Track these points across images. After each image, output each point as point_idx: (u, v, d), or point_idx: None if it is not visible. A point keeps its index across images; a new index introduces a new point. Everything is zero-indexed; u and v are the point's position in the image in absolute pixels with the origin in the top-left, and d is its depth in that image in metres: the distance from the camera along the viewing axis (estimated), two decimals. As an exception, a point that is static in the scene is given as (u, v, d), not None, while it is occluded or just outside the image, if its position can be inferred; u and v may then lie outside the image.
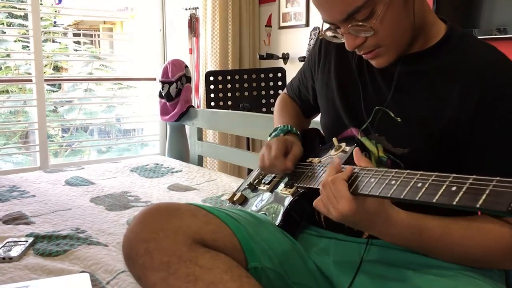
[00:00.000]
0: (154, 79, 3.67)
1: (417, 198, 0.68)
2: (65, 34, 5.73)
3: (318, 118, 1.24)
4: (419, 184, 0.69)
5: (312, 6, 3.04)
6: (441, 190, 0.65)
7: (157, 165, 2.33)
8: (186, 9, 3.56)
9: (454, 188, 0.64)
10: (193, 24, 3.54)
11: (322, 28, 0.97)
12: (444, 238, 0.83)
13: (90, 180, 2.09)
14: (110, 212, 1.66)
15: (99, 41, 5.89)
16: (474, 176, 0.63)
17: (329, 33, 0.96)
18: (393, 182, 0.74)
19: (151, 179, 2.13)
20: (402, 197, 0.71)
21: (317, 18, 3.10)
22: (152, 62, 3.72)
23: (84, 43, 5.92)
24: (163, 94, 2.42)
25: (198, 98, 3.48)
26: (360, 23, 0.86)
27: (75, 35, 6.00)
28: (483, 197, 0.59)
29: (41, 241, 1.36)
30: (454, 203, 0.62)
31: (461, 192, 0.62)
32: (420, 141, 0.91)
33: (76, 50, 5.71)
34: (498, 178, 0.60)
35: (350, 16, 0.85)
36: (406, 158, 0.92)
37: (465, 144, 0.87)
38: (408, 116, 0.92)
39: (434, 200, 0.66)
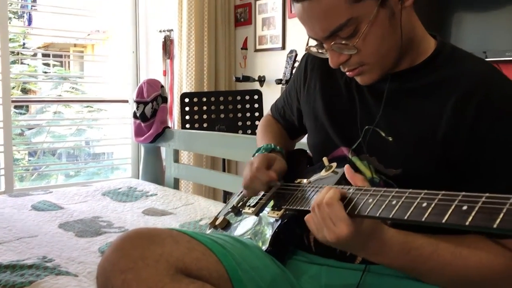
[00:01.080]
0: (127, 101, 3.60)
1: (423, 219, 0.63)
2: (34, 55, 5.59)
3: (304, 140, 1.20)
4: (424, 204, 0.65)
5: (289, 29, 3.08)
6: (450, 210, 0.61)
7: (131, 188, 2.23)
8: (160, 31, 3.54)
9: (465, 208, 0.59)
10: (167, 46, 3.53)
11: (308, 43, 0.94)
12: (435, 256, 0.78)
13: (59, 205, 1.98)
14: (80, 238, 1.56)
15: (69, 62, 5.76)
16: (487, 194, 0.59)
17: (314, 49, 0.93)
18: (394, 202, 0.69)
19: (124, 203, 2.04)
20: (406, 218, 0.66)
21: (293, 41, 3.11)
22: (124, 84, 3.65)
23: (54, 65, 5.79)
24: (138, 115, 2.34)
25: (172, 120, 3.43)
26: (343, 42, 0.83)
27: (44, 55, 5.86)
28: (501, 216, 0.55)
29: (4, 271, 1.26)
30: (467, 223, 0.58)
31: (474, 212, 0.58)
32: (413, 161, 0.87)
33: (46, 72, 5.57)
34: (516, 195, 0.56)
35: (333, 33, 0.83)
36: (399, 179, 0.88)
37: (462, 162, 0.83)
38: (400, 135, 0.89)
39: (443, 221, 0.61)
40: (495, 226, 0.55)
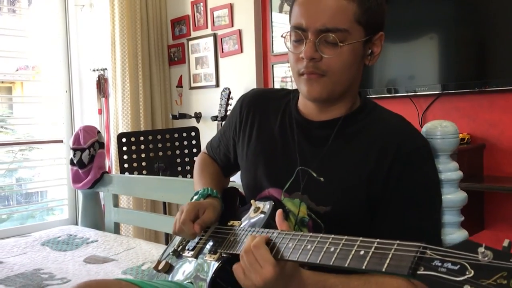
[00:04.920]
0: (61, 141, 3.55)
1: (331, 263, 0.75)
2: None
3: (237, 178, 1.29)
4: (332, 249, 0.76)
5: (221, 67, 3.21)
6: (351, 255, 0.73)
7: (70, 236, 2.21)
8: (93, 70, 3.54)
9: (362, 252, 0.72)
10: (101, 85, 3.53)
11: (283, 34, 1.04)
12: None
13: (-3, 259, 1.94)
14: (23, 294, 1.56)
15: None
16: (378, 240, 0.72)
17: (288, 42, 1.02)
18: (308, 246, 0.80)
19: (65, 253, 2.02)
20: (318, 262, 0.77)
21: (226, 79, 3.25)
22: (58, 124, 3.59)
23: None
24: (75, 162, 2.35)
25: (109, 159, 3.41)
26: (333, 36, 0.94)
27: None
28: (387, 261, 0.67)
29: None
30: (363, 267, 0.70)
31: (368, 257, 0.71)
32: (341, 199, 0.99)
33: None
34: (398, 242, 0.68)
35: (327, 31, 0.94)
36: (328, 217, 1.00)
37: (380, 202, 0.97)
38: (330, 176, 1.01)
39: (346, 265, 0.73)
40: (383, 270, 0.67)
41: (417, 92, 2.48)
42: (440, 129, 1.14)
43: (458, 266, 0.59)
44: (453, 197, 1.17)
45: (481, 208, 2.36)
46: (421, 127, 1.17)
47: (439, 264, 0.61)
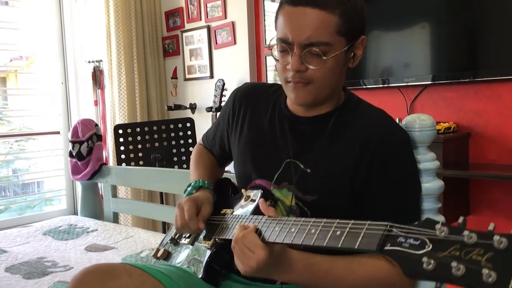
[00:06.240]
0: (58, 133, 3.61)
1: (312, 243, 0.83)
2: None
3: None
4: (313, 230, 0.84)
5: (215, 59, 3.27)
6: (329, 235, 0.81)
7: (71, 225, 2.28)
8: (89, 62, 3.58)
9: (338, 233, 0.80)
10: (97, 77, 3.57)
11: (270, 43, 1.09)
12: (331, 271, 0.93)
13: (2, 248, 2.00)
14: (29, 280, 1.62)
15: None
16: (352, 221, 0.80)
17: (275, 52, 1.08)
18: (292, 229, 0.88)
19: (66, 241, 2.09)
20: (301, 242, 0.85)
21: (220, 71, 3.31)
22: (54, 116, 3.64)
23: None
24: (74, 154, 2.42)
25: (106, 151, 3.46)
26: (316, 49, 0.99)
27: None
28: (359, 239, 0.76)
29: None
30: (339, 245, 0.78)
31: (344, 236, 0.79)
32: (327, 189, 1.06)
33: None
34: (369, 222, 0.76)
35: (311, 45, 0.99)
36: (315, 205, 1.07)
37: (362, 191, 1.04)
38: (317, 167, 1.08)
39: (324, 244, 0.81)
40: (356, 247, 0.75)
41: (408, 83, 2.54)
42: (419, 122, 1.21)
43: (419, 241, 0.66)
44: (430, 185, 1.25)
45: (467, 194, 2.44)
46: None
47: (403, 240, 0.68)
